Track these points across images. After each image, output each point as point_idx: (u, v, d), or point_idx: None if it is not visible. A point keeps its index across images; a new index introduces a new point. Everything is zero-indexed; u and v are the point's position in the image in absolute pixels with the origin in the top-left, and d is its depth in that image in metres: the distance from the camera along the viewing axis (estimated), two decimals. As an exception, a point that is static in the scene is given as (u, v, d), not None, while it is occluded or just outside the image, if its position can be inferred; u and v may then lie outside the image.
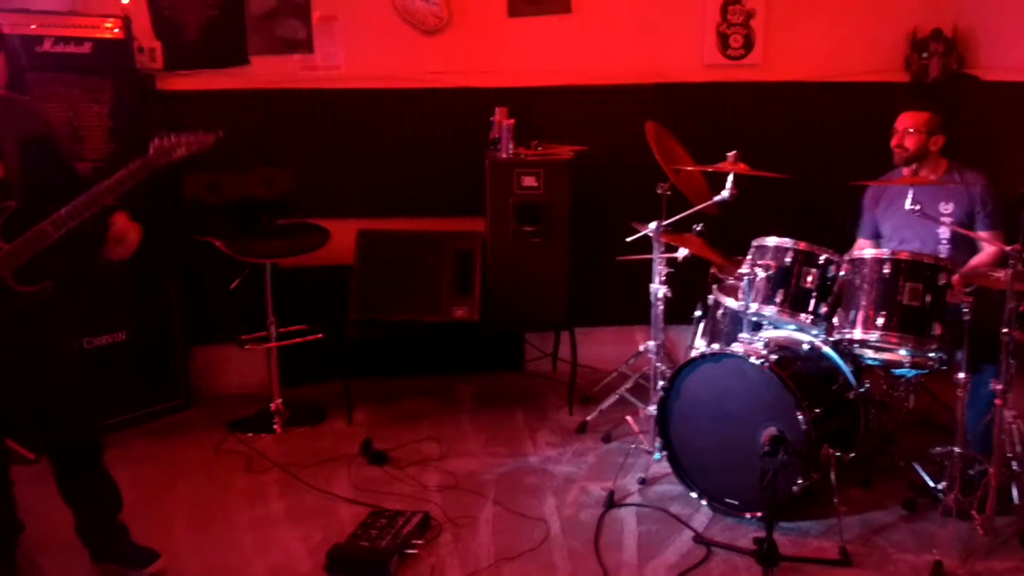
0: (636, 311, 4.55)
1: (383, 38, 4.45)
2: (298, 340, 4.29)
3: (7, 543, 2.87)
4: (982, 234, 3.73)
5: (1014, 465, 3.28)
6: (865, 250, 3.59)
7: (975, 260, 3.77)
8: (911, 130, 3.83)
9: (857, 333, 3.36)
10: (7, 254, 2.58)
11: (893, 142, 3.91)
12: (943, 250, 3.81)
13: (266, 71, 4.39)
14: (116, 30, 3.99)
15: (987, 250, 3.74)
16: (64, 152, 2.85)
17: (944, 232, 3.81)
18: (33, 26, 3.74)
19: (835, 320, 3.46)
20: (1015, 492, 3.25)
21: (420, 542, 3.15)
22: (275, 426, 4.19)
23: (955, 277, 3.37)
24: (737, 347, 3.40)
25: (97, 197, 2.61)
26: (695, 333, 4.07)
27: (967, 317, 3.13)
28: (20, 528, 2.92)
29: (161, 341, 4.27)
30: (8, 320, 2.64)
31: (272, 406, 4.25)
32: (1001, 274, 3.06)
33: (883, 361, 3.48)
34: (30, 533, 3.27)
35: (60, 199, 2.61)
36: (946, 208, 3.80)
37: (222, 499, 3.53)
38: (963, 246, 3.80)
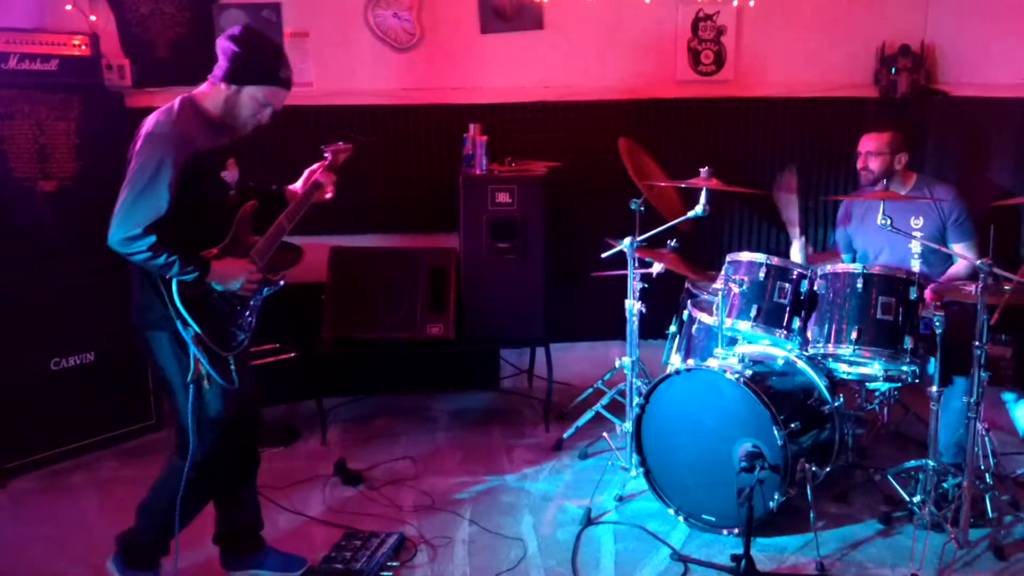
0: (611, 327, 4.56)
1: (355, 55, 4.44)
2: (270, 359, 4.24)
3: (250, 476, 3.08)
4: (955, 246, 3.77)
5: (987, 477, 3.31)
6: (838, 265, 3.61)
7: (948, 273, 3.81)
8: (874, 152, 3.87)
9: (831, 347, 3.38)
10: (262, 247, 2.85)
11: (858, 164, 3.95)
12: (916, 264, 3.84)
13: (237, 88, 4.35)
14: (84, 47, 3.95)
15: (960, 263, 3.78)
16: None
17: (916, 246, 3.85)
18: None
19: (809, 334, 3.47)
20: (989, 504, 3.27)
21: (395, 564, 3.12)
22: (247, 447, 4.13)
23: (927, 291, 3.39)
24: (712, 362, 3.40)
25: (311, 190, 2.96)
26: (670, 349, 4.07)
27: (939, 330, 3.16)
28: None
29: (131, 361, 4.18)
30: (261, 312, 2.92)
31: (244, 426, 4.19)
32: (973, 287, 3.09)
33: (857, 375, 3.50)
34: (37, 546, 3.21)
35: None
36: (916, 223, 3.84)
37: (194, 522, 3.46)
38: (936, 260, 3.84)
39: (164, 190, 2.54)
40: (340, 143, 3.10)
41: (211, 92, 2.73)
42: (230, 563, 3.08)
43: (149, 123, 2.64)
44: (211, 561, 3.11)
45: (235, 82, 2.69)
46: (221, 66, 2.71)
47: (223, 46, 2.70)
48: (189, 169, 2.61)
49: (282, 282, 2.94)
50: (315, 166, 3.03)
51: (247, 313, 2.85)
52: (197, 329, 2.63)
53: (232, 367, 2.75)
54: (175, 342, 2.67)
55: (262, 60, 2.72)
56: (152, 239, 2.53)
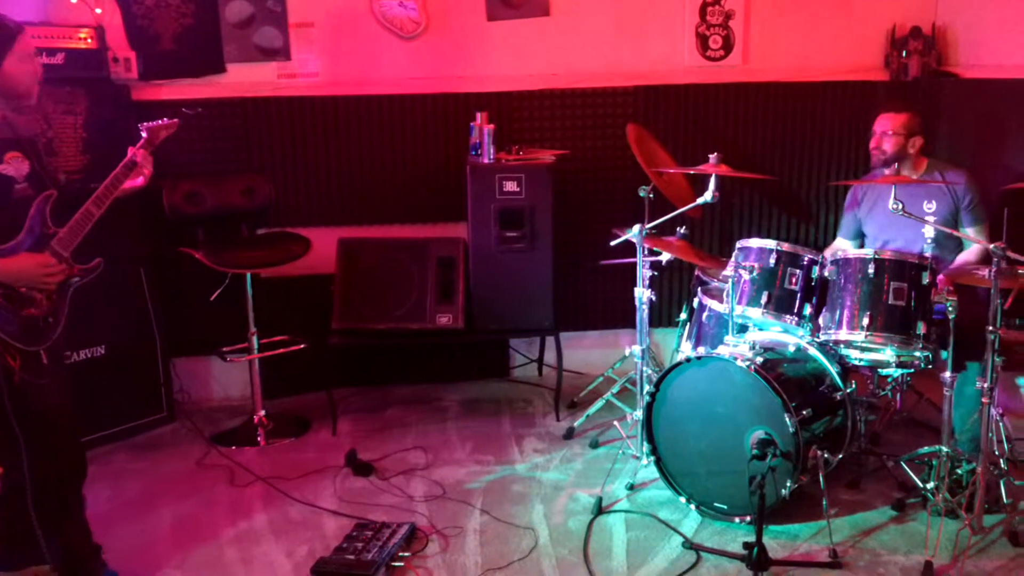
0: (621, 315, 4.55)
1: (361, 45, 4.42)
2: (280, 351, 4.24)
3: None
4: (968, 230, 3.74)
5: (1002, 463, 3.28)
6: (849, 250, 3.59)
7: (961, 258, 3.78)
8: (889, 133, 3.83)
9: (843, 334, 3.36)
10: (65, 236, 2.72)
11: (871, 144, 3.91)
12: (928, 249, 3.80)
13: (243, 79, 4.34)
14: (89, 40, 3.94)
15: (972, 248, 3.74)
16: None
17: (929, 231, 3.81)
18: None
19: (820, 321, 3.45)
20: (1003, 490, 3.25)
21: (407, 554, 3.12)
22: (258, 438, 4.14)
23: (940, 276, 3.36)
24: (723, 350, 3.38)
25: (120, 175, 2.79)
26: (680, 336, 4.05)
27: (952, 315, 3.13)
28: None
29: (141, 354, 4.21)
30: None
31: (255, 418, 4.21)
32: (986, 271, 3.06)
33: (869, 361, 3.47)
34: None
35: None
36: (929, 207, 3.80)
37: (205, 514, 3.48)
38: (948, 245, 3.81)
39: None
40: (163, 120, 2.95)
41: None
42: None
43: None
44: (231, 540, 3.14)
45: None
46: None
47: None
48: None
49: (92, 273, 2.83)
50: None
51: (53, 304, 2.74)
52: None
53: (44, 361, 2.69)
54: None
55: None
56: None
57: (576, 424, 4.14)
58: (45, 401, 2.73)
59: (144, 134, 2.89)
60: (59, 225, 2.72)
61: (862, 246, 4.07)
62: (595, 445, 4.00)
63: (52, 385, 2.74)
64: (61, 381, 2.79)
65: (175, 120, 2.98)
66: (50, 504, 2.77)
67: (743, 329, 3.64)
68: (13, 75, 2.65)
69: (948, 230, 3.55)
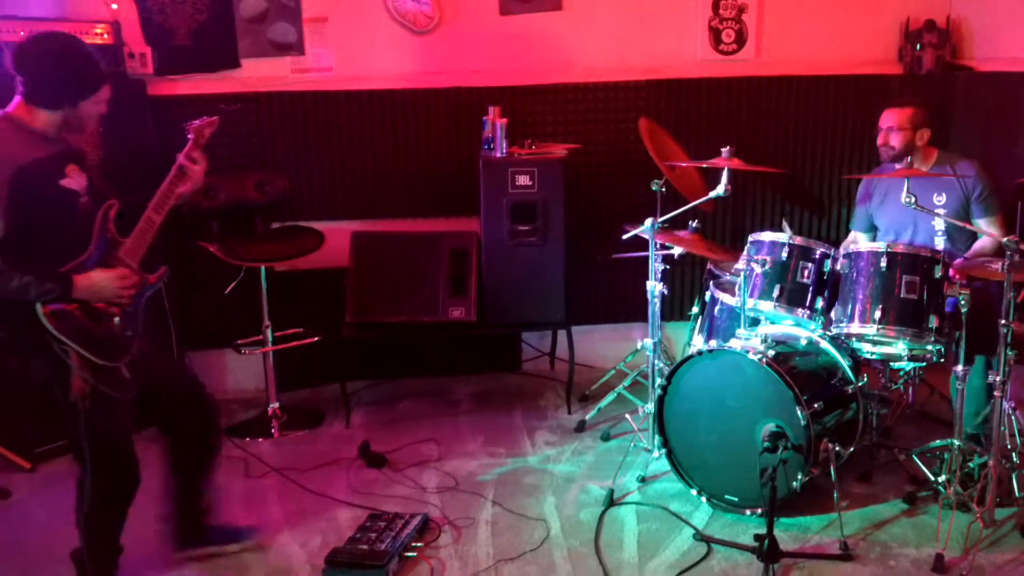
0: (633, 309, 4.55)
1: (374, 39, 4.43)
2: (294, 344, 4.28)
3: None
4: (978, 221, 3.72)
5: (1014, 456, 3.28)
6: (861, 244, 3.58)
7: (973, 249, 3.76)
8: (895, 128, 3.80)
9: (855, 327, 3.35)
10: (131, 246, 2.74)
11: (879, 141, 3.88)
12: (939, 242, 3.80)
13: (257, 74, 4.37)
14: (105, 36, 3.97)
15: (984, 239, 3.73)
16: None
17: (940, 223, 3.80)
18: (22, 33, 3.71)
19: (832, 314, 3.45)
20: (1015, 484, 3.24)
21: (419, 544, 3.15)
22: (272, 430, 4.17)
23: (952, 269, 3.36)
24: (735, 343, 3.38)
25: (173, 179, 2.79)
26: (692, 330, 4.06)
27: (965, 309, 3.13)
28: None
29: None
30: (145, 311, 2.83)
31: (269, 410, 4.24)
32: (999, 264, 3.05)
33: (881, 355, 3.47)
34: (30, 543, 3.27)
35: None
36: (939, 200, 3.79)
37: (220, 504, 3.51)
38: (960, 237, 3.80)
39: None
40: (203, 118, 2.92)
41: (37, 115, 2.60)
42: (179, 543, 3.12)
43: None
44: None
45: (67, 104, 2.61)
46: (39, 90, 2.58)
47: (32, 70, 2.56)
48: (18, 185, 2.50)
49: (161, 281, 2.85)
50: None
51: (129, 316, 2.75)
52: (73, 346, 2.57)
53: (125, 374, 2.68)
54: (55, 364, 2.59)
55: (82, 72, 2.62)
56: None
57: (588, 417, 4.16)
58: (121, 418, 2.75)
59: (190, 135, 2.86)
60: (122, 235, 2.74)
61: (876, 239, 4.06)
62: (607, 438, 4.01)
63: (132, 400, 2.76)
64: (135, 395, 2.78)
65: (215, 117, 2.95)
66: (104, 522, 2.83)
67: (755, 323, 3.64)
68: (85, 115, 2.68)
69: (960, 223, 3.53)
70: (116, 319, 2.69)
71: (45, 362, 2.60)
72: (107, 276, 2.66)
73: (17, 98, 2.61)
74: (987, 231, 3.66)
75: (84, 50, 2.67)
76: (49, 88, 2.59)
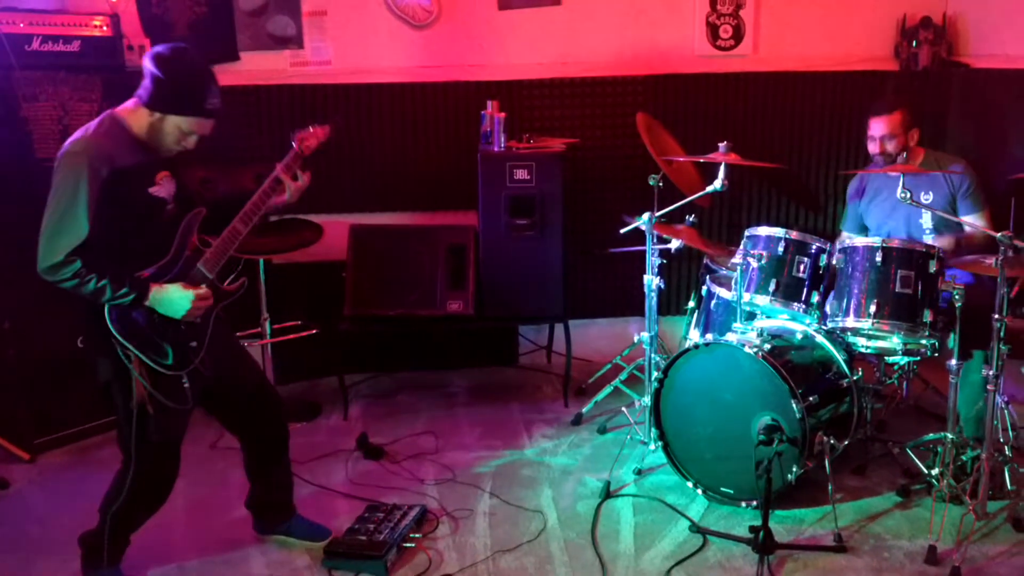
0: (630, 302, 4.58)
1: (373, 33, 4.45)
2: (292, 336, 4.29)
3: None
4: (966, 218, 3.73)
5: (1006, 450, 3.31)
6: (856, 238, 3.60)
7: (967, 232, 3.76)
8: (888, 135, 3.80)
9: (850, 321, 3.38)
10: (212, 257, 2.72)
11: (872, 149, 3.85)
12: (928, 239, 3.82)
13: (256, 67, 4.38)
14: (105, 28, 3.96)
15: (969, 232, 3.73)
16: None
17: (927, 222, 3.82)
18: (21, 25, 3.72)
19: (828, 309, 3.47)
20: (1008, 477, 3.27)
21: (417, 535, 3.17)
22: (271, 422, 4.18)
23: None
24: (731, 337, 3.41)
25: (268, 191, 2.76)
26: (689, 324, 4.08)
27: (959, 303, 3.15)
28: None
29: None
30: (219, 320, 2.81)
31: (267, 402, 4.25)
32: (991, 260, 3.07)
33: (876, 349, 3.50)
34: (30, 533, 3.29)
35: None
36: (927, 198, 3.80)
37: (219, 496, 3.53)
38: (948, 233, 3.81)
39: (83, 213, 2.44)
40: (311, 127, 2.86)
41: (135, 112, 2.59)
42: (261, 527, 3.19)
43: (67, 143, 2.52)
44: (244, 521, 3.23)
45: (159, 109, 2.55)
46: (146, 88, 2.56)
47: (148, 67, 2.54)
48: (110, 187, 2.49)
49: (238, 293, 2.85)
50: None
51: (197, 327, 2.73)
52: (136, 352, 2.57)
53: (185, 384, 2.67)
54: (118, 366, 2.60)
55: (188, 89, 2.56)
56: (76, 266, 2.45)
57: (584, 410, 4.18)
58: (174, 427, 2.74)
59: (294, 145, 2.79)
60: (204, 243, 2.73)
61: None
62: (603, 431, 4.03)
63: (187, 412, 2.75)
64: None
65: (326, 126, 2.88)
66: (131, 518, 2.84)
67: (751, 316, 3.67)
68: (163, 133, 2.60)
69: (952, 217, 3.54)
70: (182, 327, 2.67)
71: (109, 363, 2.61)
72: (185, 294, 2.63)
73: (132, 100, 2.60)
74: (974, 225, 3.68)
75: (203, 72, 2.63)
76: (163, 89, 2.54)
